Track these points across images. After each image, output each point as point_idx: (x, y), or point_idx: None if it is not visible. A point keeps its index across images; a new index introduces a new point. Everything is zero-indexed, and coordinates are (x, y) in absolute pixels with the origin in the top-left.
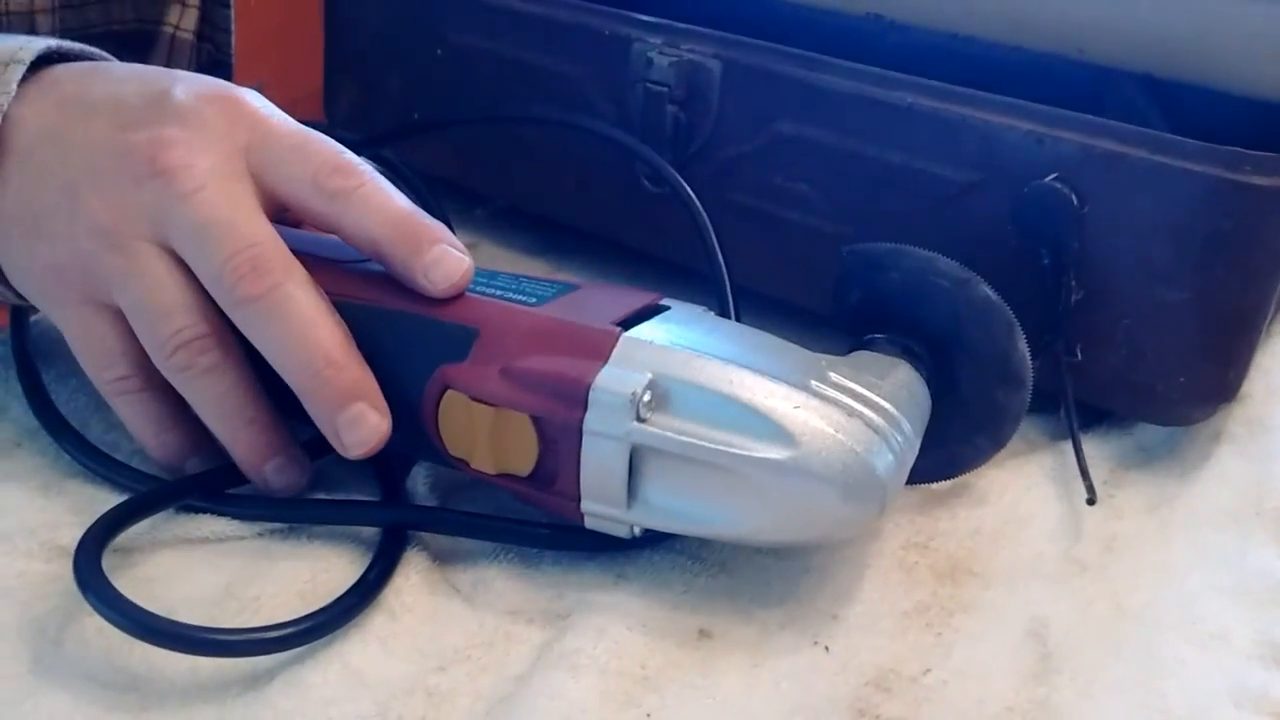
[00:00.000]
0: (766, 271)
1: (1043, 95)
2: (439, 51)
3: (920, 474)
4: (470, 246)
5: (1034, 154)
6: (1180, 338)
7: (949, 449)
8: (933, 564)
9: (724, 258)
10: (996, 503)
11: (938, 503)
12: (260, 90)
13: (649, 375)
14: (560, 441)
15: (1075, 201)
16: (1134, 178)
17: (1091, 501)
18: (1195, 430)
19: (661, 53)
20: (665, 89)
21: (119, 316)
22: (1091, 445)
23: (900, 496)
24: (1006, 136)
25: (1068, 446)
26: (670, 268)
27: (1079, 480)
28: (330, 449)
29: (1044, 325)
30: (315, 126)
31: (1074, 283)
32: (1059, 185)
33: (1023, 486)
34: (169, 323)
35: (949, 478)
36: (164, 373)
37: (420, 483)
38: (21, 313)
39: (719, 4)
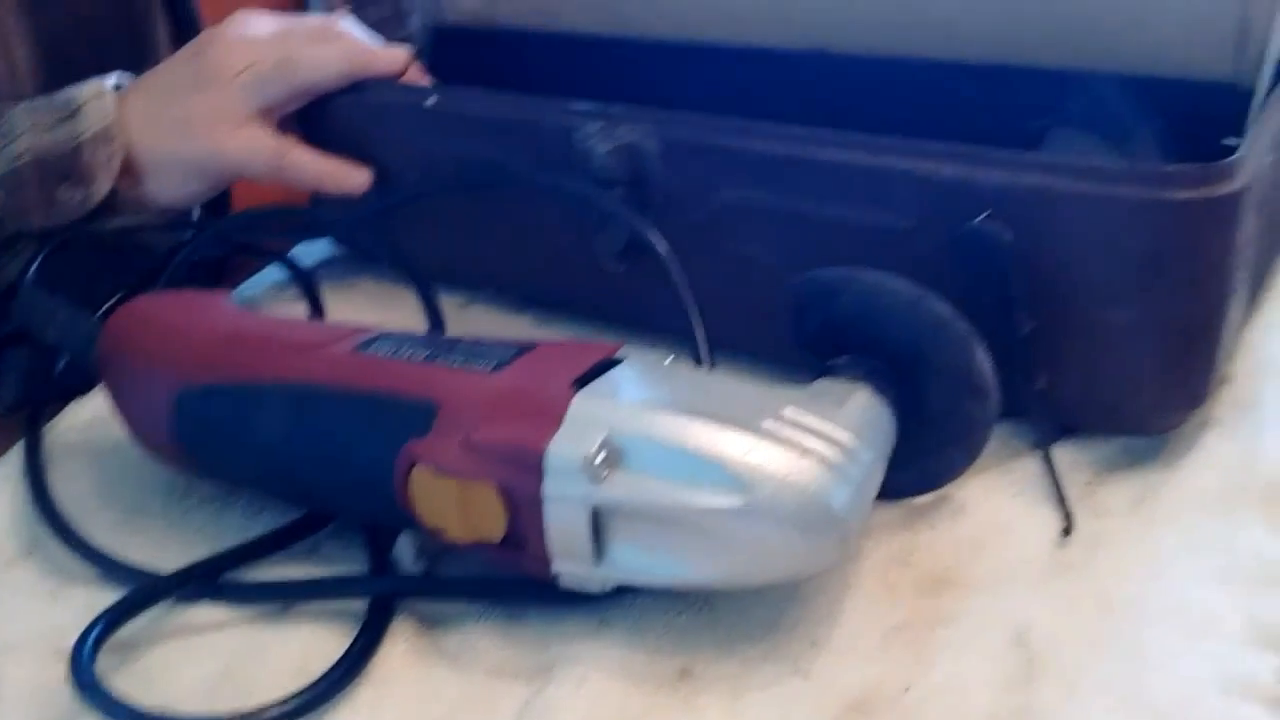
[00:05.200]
0: (735, 328)
1: (1006, 107)
2: (405, 156)
3: (899, 489)
4: (463, 306)
5: (963, 195)
6: (1136, 356)
7: (924, 463)
8: (914, 579)
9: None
10: (977, 511)
11: (919, 516)
12: None
13: (602, 435)
14: (525, 507)
15: (1008, 237)
16: (1061, 208)
17: (1067, 532)
18: None
19: (601, 139)
20: (609, 173)
21: None
22: (1075, 449)
23: (881, 512)
24: (933, 181)
25: (1050, 450)
26: (649, 327)
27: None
28: (324, 524)
29: (1002, 358)
30: (302, 215)
31: (1023, 315)
32: (990, 224)
33: (1005, 495)
34: None
35: (927, 491)
36: None
37: (407, 550)
38: (35, 424)
39: (672, 63)
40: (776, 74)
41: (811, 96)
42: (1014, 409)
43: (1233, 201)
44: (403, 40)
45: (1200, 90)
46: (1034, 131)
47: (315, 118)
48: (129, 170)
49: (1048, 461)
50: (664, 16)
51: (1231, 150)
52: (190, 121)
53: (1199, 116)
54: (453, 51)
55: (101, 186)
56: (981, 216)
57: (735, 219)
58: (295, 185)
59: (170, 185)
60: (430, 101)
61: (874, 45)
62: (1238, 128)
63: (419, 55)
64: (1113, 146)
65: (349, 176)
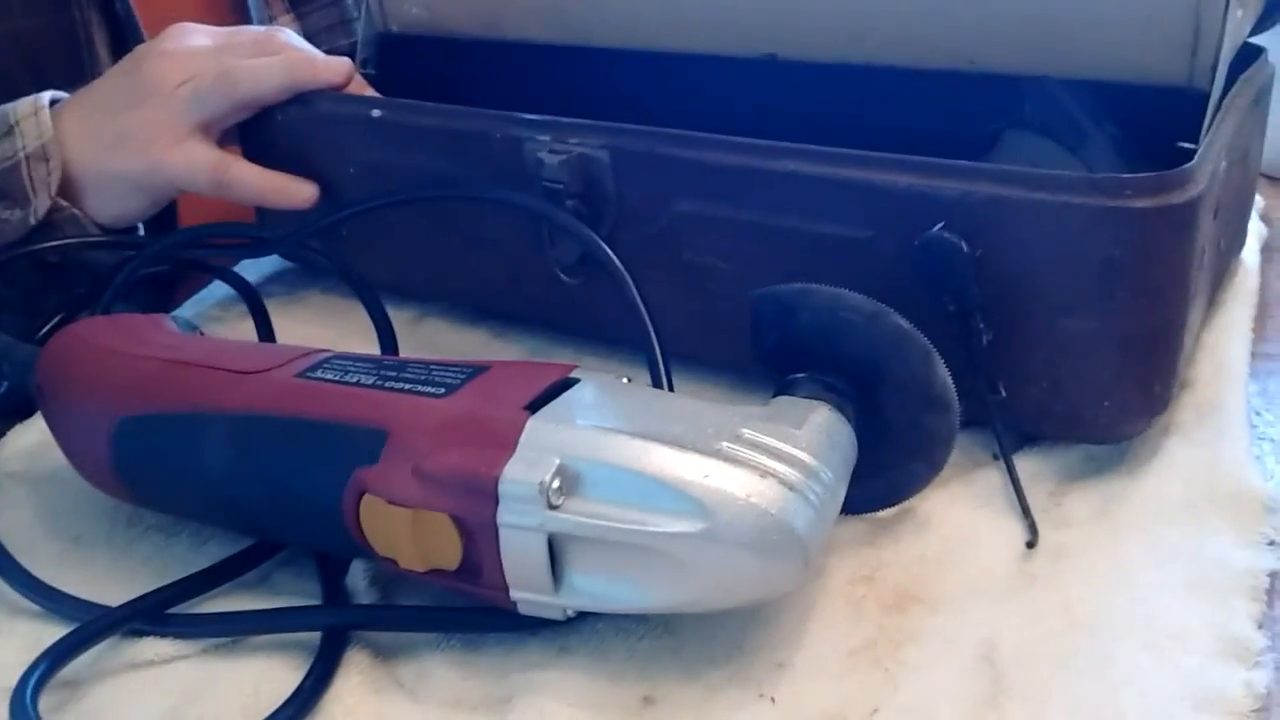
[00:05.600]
0: (694, 338)
1: (960, 110)
2: (351, 170)
3: (861, 504)
4: (416, 320)
5: (918, 205)
6: (1097, 364)
7: (886, 477)
8: (879, 596)
9: (653, 324)
10: (941, 525)
11: (883, 531)
12: None
13: (557, 461)
14: (480, 535)
15: (965, 247)
16: (1017, 217)
17: (1032, 544)
18: None
19: (552, 150)
20: (561, 185)
21: None
22: (1038, 458)
23: (845, 528)
24: (890, 191)
25: (1012, 461)
26: (605, 338)
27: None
28: (275, 552)
29: (963, 368)
30: (247, 231)
31: (982, 325)
32: (946, 234)
33: (969, 506)
34: None
35: (890, 505)
36: None
37: (360, 578)
38: None
39: (622, 70)
40: (729, 81)
41: (764, 103)
42: (975, 419)
43: (1190, 208)
44: (347, 50)
45: (1155, 94)
46: (988, 134)
47: (257, 131)
48: (68, 188)
49: (1010, 471)
50: (611, 25)
51: (1188, 155)
52: (129, 137)
53: (1153, 120)
54: (398, 60)
55: (40, 205)
56: (938, 227)
57: (690, 230)
58: (238, 200)
59: (110, 202)
60: (376, 113)
61: (827, 52)
62: (1192, 131)
63: (364, 64)
64: (1067, 149)
65: (294, 191)
